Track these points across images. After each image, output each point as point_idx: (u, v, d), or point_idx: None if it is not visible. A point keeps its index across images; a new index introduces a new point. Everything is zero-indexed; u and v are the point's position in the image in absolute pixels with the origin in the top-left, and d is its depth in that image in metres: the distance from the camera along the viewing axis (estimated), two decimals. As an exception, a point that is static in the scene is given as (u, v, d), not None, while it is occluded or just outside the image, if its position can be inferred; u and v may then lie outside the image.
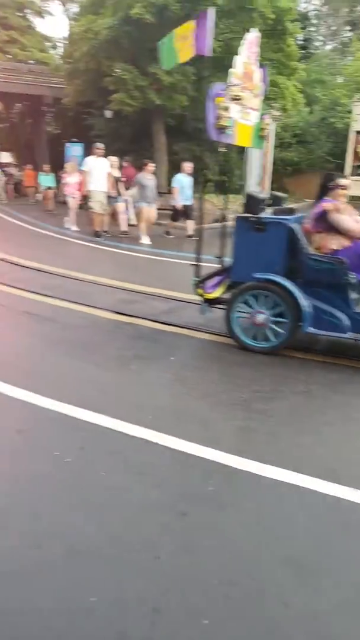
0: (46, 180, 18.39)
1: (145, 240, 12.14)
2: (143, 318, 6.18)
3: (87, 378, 4.53)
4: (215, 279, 5.77)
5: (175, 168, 16.19)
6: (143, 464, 3.20)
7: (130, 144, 20.08)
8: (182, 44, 5.15)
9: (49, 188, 18.32)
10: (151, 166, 12.53)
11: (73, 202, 14.37)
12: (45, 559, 2.42)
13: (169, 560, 2.42)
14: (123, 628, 2.06)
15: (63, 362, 4.87)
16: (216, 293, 5.59)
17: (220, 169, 16.50)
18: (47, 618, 2.12)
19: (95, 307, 6.57)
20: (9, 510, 2.77)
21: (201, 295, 5.58)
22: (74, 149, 22.37)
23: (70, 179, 14.55)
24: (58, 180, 18.65)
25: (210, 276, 5.77)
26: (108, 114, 19.39)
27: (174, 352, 5.14)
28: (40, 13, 31.08)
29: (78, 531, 2.61)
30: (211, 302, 5.64)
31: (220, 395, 4.26)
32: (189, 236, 12.59)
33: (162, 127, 19.27)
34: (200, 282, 5.58)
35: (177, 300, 7.05)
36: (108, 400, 4.05)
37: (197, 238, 5.97)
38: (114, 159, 13.27)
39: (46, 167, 18.77)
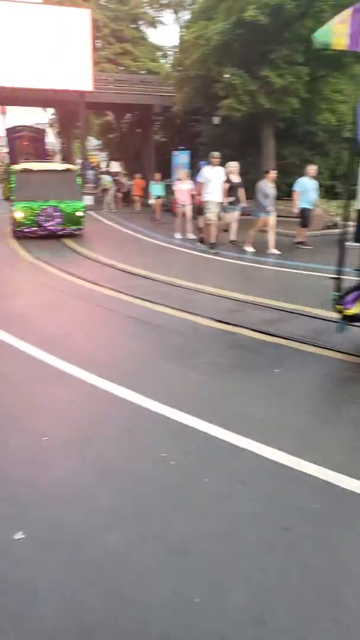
0: (157, 189, 18.51)
1: (249, 248, 11.96)
2: (246, 327, 6.20)
3: (189, 384, 4.66)
4: (355, 294, 5.23)
5: (284, 173, 15.99)
6: (247, 474, 3.24)
7: (237, 150, 20.12)
8: (339, 26, 4.83)
9: (159, 197, 18.51)
10: (273, 174, 12.18)
11: (182, 210, 14.39)
12: (151, 556, 2.55)
13: (274, 574, 2.44)
14: (226, 634, 2.12)
15: (166, 367, 5.04)
16: (356, 309, 5.11)
17: (330, 174, 16.09)
18: (153, 611, 2.22)
19: (198, 315, 6.70)
20: (118, 506, 2.93)
21: (340, 312, 5.13)
22: (181, 157, 22.87)
23: (182, 186, 14.52)
24: (167, 189, 19.04)
25: (350, 291, 5.23)
26: (216, 120, 19.60)
27: (278, 365, 5.10)
28: (153, 23, 32.10)
29: (182, 533, 2.71)
30: (350, 320, 5.16)
31: (328, 412, 4.19)
32: (298, 243, 12.34)
33: (271, 131, 19.13)
34: (340, 298, 5.12)
35: (283, 310, 6.96)
36: (210, 407, 4.13)
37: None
38: (234, 165, 12.98)
39: (157, 175, 18.95)
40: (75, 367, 4.87)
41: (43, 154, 27.32)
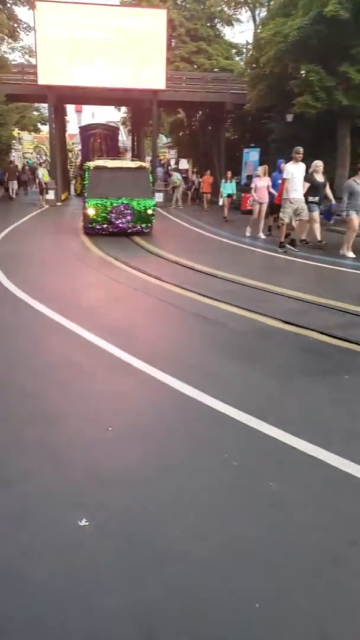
0: (228, 187, 18.03)
1: (349, 254, 11.09)
2: (314, 330, 6.04)
3: (254, 385, 4.58)
4: None
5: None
6: (313, 481, 3.15)
7: (310, 147, 19.65)
8: None
9: (229, 196, 18.05)
10: None
11: (259, 208, 14.00)
12: (213, 556, 2.51)
13: (340, 587, 2.35)
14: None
15: (230, 366, 4.99)
16: None
17: None
18: (213, 612, 2.19)
19: (264, 315, 6.59)
20: (179, 502, 2.92)
21: None
22: (251, 154, 22.66)
23: (261, 182, 14.06)
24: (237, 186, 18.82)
25: None
26: (289, 117, 19.27)
27: (348, 370, 4.91)
28: (229, 22, 31.93)
29: (245, 536, 2.66)
30: None
31: None
32: None
33: (348, 128, 18.60)
34: None
35: (354, 314, 6.72)
36: (275, 410, 4.05)
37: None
38: (320, 164, 12.30)
39: (228, 174, 18.39)
40: (141, 360, 4.92)
41: (115, 151, 27.82)
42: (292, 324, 6.22)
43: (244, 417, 3.86)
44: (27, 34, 20.31)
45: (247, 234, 14.10)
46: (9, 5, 18.25)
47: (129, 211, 13.39)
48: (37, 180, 23.68)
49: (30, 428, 3.71)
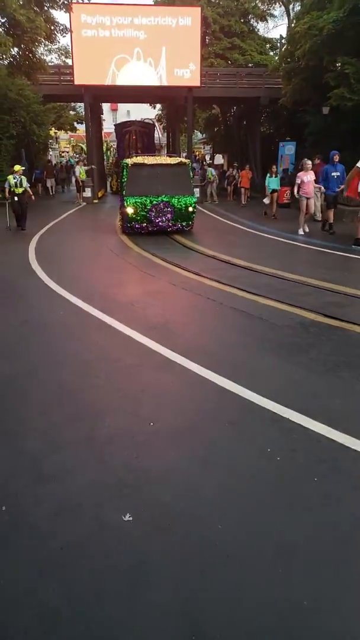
0: (273, 182, 16.98)
1: None
2: (355, 323, 5.94)
3: (296, 380, 4.52)
4: None
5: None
6: (358, 477, 3.09)
7: (347, 140, 19.33)
8: None
9: (274, 191, 17.05)
10: None
11: (307, 203, 13.25)
12: (257, 554, 2.49)
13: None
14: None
15: (271, 361, 4.94)
16: None
17: None
18: (252, 610, 2.18)
19: (303, 309, 6.51)
20: (222, 499, 2.91)
21: None
22: (287, 148, 22.39)
23: (307, 177, 13.20)
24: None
25: None
26: (325, 110, 18.92)
27: (392, 364, 4.82)
28: (263, 17, 31.59)
29: (290, 533, 2.63)
30: None
31: None
32: None
33: (384, 120, 18.12)
34: None
35: None
36: (317, 405, 3.99)
37: None
38: None
39: (274, 168, 17.61)
40: (181, 355, 4.94)
41: (152, 148, 27.69)
42: (332, 317, 6.14)
43: (286, 412, 3.82)
44: (64, 36, 20.54)
45: (301, 231, 13.14)
46: (46, 8, 18.48)
47: (169, 209, 12.91)
48: (74, 178, 23.99)
49: (73, 423, 3.75)
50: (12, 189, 13.55)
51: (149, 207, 12.82)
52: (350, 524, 2.71)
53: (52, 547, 2.55)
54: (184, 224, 13.29)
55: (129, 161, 13.43)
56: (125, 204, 12.85)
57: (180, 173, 13.38)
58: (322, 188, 13.05)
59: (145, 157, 14.33)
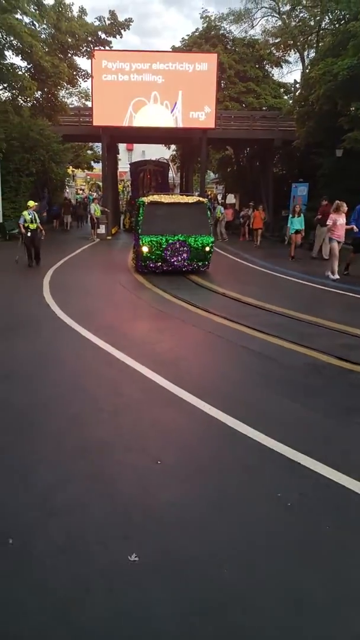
0: (297, 222, 16.33)
1: None
2: (367, 366, 5.90)
3: (309, 423, 4.45)
4: None
5: None
6: (370, 524, 3.02)
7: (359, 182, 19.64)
8: None
9: (297, 232, 16.35)
10: None
11: (338, 247, 12.54)
12: (270, 604, 2.42)
13: None
14: None
15: (282, 402, 4.89)
16: None
17: None
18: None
19: (316, 350, 6.48)
20: (231, 543, 2.85)
21: None
22: (300, 189, 22.73)
23: (341, 220, 12.59)
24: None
25: None
26: (339, 152, 19.31)
27: None
28: (278, 63, 32.63)
29: (304, 584, 2.56)
30: None
31: None
32: None
33: None
34: None
35: None
36: (330, 450, 3.92)
37: None
38: None
39: (297, 207, 16.90)
40: (190, 394, 4.92)
41: (165, 187, 28.22)
42: (346, 360, 6.10)
43: (297, 456, 3.77)
44: (85, 81, 21.43)
45: (333, 276, 12.35)
46: (69, 55, 19.33)
47: (185, 248, 12.52)
48: (89, 215, 24.52)
49: (81, 458, 3.73)
50: (26, 225, 13.45)
51: (164, 246, 12.50)
52: (362, 572, 2.63)
53: (56, 584, 2.51)
54: (200, 263, 12.97)
55: (146, 199, 13.14)
56: (141, 242, 12.51)
57: (197, 212, 13.00)
58: (355, 228, 12.28)
59: (162, 195, 14.02)
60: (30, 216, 13.46)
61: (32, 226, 13.43)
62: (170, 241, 12.47)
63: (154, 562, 2.67)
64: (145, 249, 12.46)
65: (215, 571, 2.62)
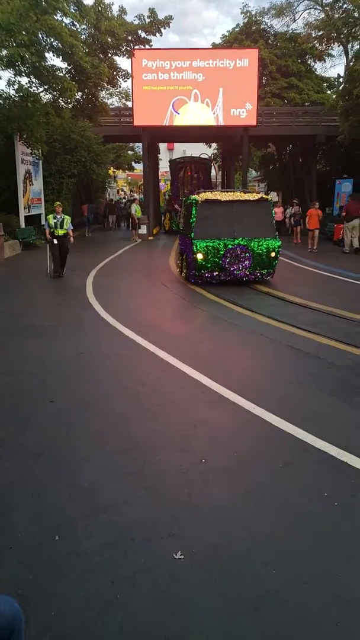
0: None
1: None
2: None
3: (355, 422, 4.36)
4: None
5: None
6: None
7: None
8: None
9: None
10: None
11: None
12: (314, 603, 2.38)
13: None
14: None
15: (329, 402, 4.79)
16: None
17: None
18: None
19: (362, 348, 6.33)
20: (276, 542, 2.81)
21: None
22: (344, 185, 22.26)
23: None
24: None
25: None
26: (384, 148, 18.83)
27: None
28: (320, 57, 32.00)
29: (349, 582, 2.50)
30: None
31: None
32: None
33: None
34: None
35: None
36: (378, 449, 3.82)
37: None
38: None
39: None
40: (234, 393, 4.88)
41: (208, 185, 27.85)
42: (393, 359, 5.93)
43: (345, 456, 3.69)
44: (125, 81, 21.58)
45: None
46: (110, 55, 19.49)
47: (247, 255, 10.75)
48: (131, 216, 24.73)
49: (126, 456, 3.76)
50: (52, 230, 11.90)
51: (222, 253, 10.72)
52: None
53: (102, 580, 2.52)
54: (263, 272, 11.17)
55: (199, 197, 11.34)
56: (194, 248, 10.72)
57: (260, 211, 11.19)
58: None
59: (218, 192, 12.28)
60: (56, 220, 11.93)
61: (60, 232, 11.87)
62: (230, 246, 10.73)
63: (200, 560, 2.66)
64: (199, 256, 10.73)
65: (261, 569, 2.59)
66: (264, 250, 10.89)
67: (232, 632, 2.23)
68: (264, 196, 11.86)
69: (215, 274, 10.95)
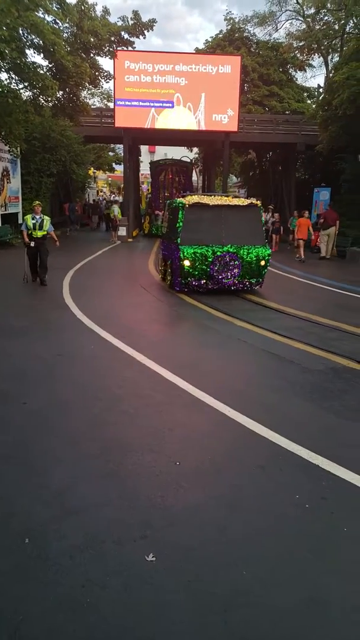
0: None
1: None
2: (389, 371, 5.80)
3: (328, 426, 4.42)
4: None
5: None
6: (392, 531, 2.96)
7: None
8: None
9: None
10: None
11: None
12: (285, 604, 2.39)
13: None
14: None
15: (302, 405, 4.84)
16: None
17: None
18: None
19: (335, 354, 6.41)
20: (248, 544, 2.82)
21: None
22: (322, 193, 22.56)
23: None
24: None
25: None
26: (362, 157, 19.15)
27: None
28: (301, 67, 32.44)
29: (321, 585, 2.52)
30: None
31: None
32: None
33: None
34: None
35: None
36: (349, 453, 3.87)
37: None
38: None
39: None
40: (210, 396, 4.89)
41: (189, 188, 27.70)
42: (365, 365, 6.02)
43: (317, 459, 3.73)
44: (107, 82, 21.52)
45: None
46: (92, 55, 19.42)
47: (236, 262, 10.30)
48: (112, 217, 24.59)
49: (99, 458, 3.73)
50: (29, 232, 10.78)
51: (210, 260, 10.23)
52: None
53: (73, 584, 2.49)
54: (252, 281, 10.74)
55: (186, 200, 10.80)
56: (181, 254, 10.18)
57: (250, 218, 10.75)
58: None
59: (205, 196, 11.55)
60: (35, 221, 10.80)
61: (39, 234, 10.80)
62: (218, 253, 10.24)
63: (171, 562, 2.65)
64: (187, 263, 10.19)
65: (232, 571, 2.60)
66: (254, 259, 10.47)
67: (202, 633, 2.22)
68: (253, 201, 11.24)
69: (202, 282, 10.46)
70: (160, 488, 3.33)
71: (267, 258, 10.57)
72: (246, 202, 11.15)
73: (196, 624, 2.27)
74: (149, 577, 2.54)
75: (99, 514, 3.06)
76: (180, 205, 10.74)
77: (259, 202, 11.17)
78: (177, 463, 3.66)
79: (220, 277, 10.35)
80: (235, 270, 10.35)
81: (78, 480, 3.42)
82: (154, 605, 2.36)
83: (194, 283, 10.44)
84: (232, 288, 10.53)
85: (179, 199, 11.41)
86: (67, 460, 3.69)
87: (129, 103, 22.55)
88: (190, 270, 10.26)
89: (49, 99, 17.91)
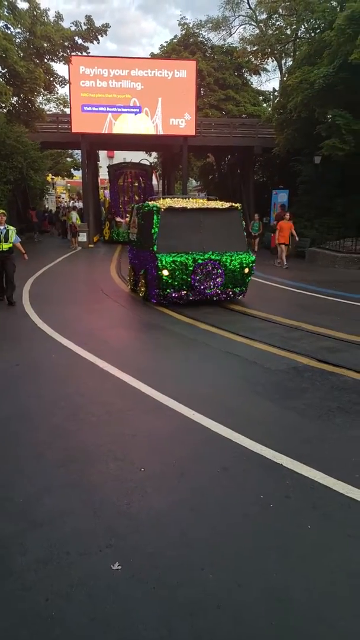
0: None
1: None
2: (349, 369, 5.92)
3: (289, 425, 4.48)
4: None
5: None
6: (354, 526, 3.02)
7: (338, 188, 19.88)
8: None
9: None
10: None
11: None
12: (251, 604, 2.41)
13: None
14: None
15: (264, 405, 4.90)
16: None
17: None
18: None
19: (297, 353, 6.51)
20: (213, 546, 2.84)
21: None
22: (280, 195, 22.91)
23: None
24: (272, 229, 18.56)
25: None
26: (317, 159, 19.51)
27: (385, 409, 4.78)
28: (256, 71, 32.95)
29: (283, 582, 2.56)
30: None
31: None
32: None
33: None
34: None
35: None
36: (311, 451, 3.94)
37: None
38: None
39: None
40: (174, 400, 4.89)
41: (150, 192, 27.52)
42: (326, 362, 6.13)
43: (280, 458, 3.78)
44: (62, 87, 21.37)
45: None
46: (46, 60, 19.26)
47: (219, 271, 9.54)
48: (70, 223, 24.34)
49: (63, 468, 3.68)
50: None
51: (191, 269, 9.42)
52: (344, 572, 2.64)
53: (37, 598, 2.45)
54: (236, 290, 10.02)
55: (161, 204, 10.03)
56: (159, 263, 9.32)
57: (230, 222, 10.10)
58: None
59: (182, 199, 11.02)
60: None
61: (4, 247, 9.66)
62: (200, 261, 9.46)
63: (137, 569, 2.64)
64: (165, 273, 9.34)
65: (197, 574, 2.60)
66: (237, 266, 9.72)
67: (167, 638, 2.21)
68: (233, 205, 10.44)
69: (183, 293, 9.58)
70: (125, 495, 3.32)
71: (251, 265, 9.94)
72: (226, 205, 10.36)
73: (161, 630, 2.26)
74: (114, 586, 2.52)
75: (64, 524, 3.02)
76: (154, 209, 9.91)
77: (239, 205, 10.52)
78: (142, 469, 3.65)
79: (202, 287, 9.54)
80: (219, 280, 9.59)
81: (42, 491, 3.37)
82: (120, 615, 2.35)
83: (173, 295, 9.57)
84: (215, 299, 9.79)
85: (151, 202, 10.65)
86: (30, 472, 3.63)
87: (86, 108, 22.44)
88: (170, 281, 9.42)
89: (3, 105, 17.65)
